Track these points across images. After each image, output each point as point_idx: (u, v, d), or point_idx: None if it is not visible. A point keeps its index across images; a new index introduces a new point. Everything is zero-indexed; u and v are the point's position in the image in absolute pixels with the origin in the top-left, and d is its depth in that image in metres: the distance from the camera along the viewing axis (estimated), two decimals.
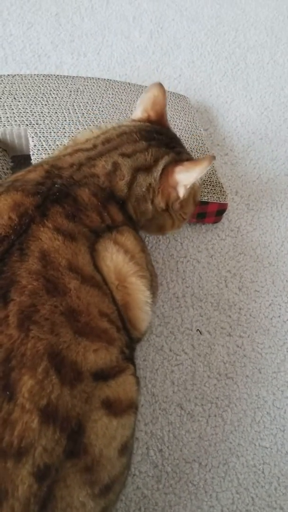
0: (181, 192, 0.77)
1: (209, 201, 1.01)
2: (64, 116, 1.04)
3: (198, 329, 0.96)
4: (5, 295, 0.50)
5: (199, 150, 1.11)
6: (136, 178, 0.74)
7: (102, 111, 1.08)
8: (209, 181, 1.05)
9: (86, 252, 0.60)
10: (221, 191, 1.05)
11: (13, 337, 0.48)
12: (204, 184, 1.04)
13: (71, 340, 0.52)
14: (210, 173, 1.07)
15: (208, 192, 1.02)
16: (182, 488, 0.80)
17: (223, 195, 1.04)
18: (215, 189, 1.04)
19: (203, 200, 1.00)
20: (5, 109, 1.02)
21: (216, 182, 1.06)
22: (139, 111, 0.85)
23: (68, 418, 0.49)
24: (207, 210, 1.03)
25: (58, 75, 1.14)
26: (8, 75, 1.10)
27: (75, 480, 0.50)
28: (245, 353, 0.95)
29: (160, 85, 0.83)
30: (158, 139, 0.78)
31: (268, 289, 1.03)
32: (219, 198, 1.03)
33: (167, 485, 0.79)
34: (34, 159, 0.96)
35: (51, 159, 0.73)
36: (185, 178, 0.74)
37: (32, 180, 0.65)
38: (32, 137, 0.99)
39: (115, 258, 0.63)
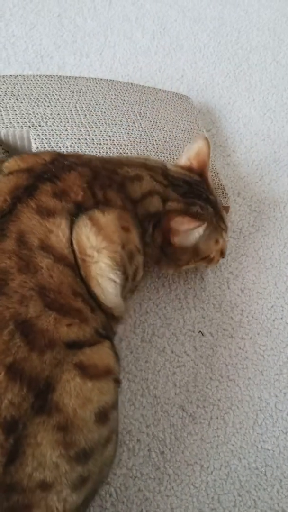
0: (173, 239, 0.79)
1: None
2: (67, 118, 1.04)
3: (200, 331, 0.96)
4: None
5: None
6: (152, 196, 0.78)
7: (104, 112, 1.08)
8: (211, 183, 1.05)
9: (66, 228, 0.63)
10: (223, 193, 1.05)
11: None
12: None
13: (41, 311, 0.56)
14: (212, 175, 1.07)
15: None
16: (184, 491, 0.79)
17: (225, 197, 1.04)
18: (217, 191, 1.04)
19: None
20: (8, 111, 1.02)
21: (218, 184, 1.06)
22: (183, 158, 0.91)
23: (37, 379, 0.53)
24: None
25: (60, 76, 1.14)
26: (11, 76, 1.10)
27: (47, 438, 0.52)
28: (247, 355, 0.94)
29: (206, 139, 0.89)
30: (180, 188, 0.82)
31: (270, 290, 1.03)
32: (221, 200, 1.03)
33: (169, 487, 0.79)
34: None
35: None
36: (178, 227, 0.77)
37: (39, 162, 0.70)
38: (35, 139, 0.99)
39: (79, 231, 0.64)
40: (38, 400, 0.52)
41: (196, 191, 0.85)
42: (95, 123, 1.04)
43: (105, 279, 0.65)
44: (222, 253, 0.92)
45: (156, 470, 0.80)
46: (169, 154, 1.06)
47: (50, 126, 1.01)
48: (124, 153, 1.01)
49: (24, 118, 1.01)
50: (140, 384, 0.88)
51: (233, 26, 1.59)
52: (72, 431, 0.54)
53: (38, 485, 0.51)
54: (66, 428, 0.53)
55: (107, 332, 0.67)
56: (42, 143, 0.98)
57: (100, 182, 0.70)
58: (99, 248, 0.64)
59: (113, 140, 1.03)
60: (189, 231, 0.77)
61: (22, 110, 1.03)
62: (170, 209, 0.79)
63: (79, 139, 1.00)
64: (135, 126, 1.07)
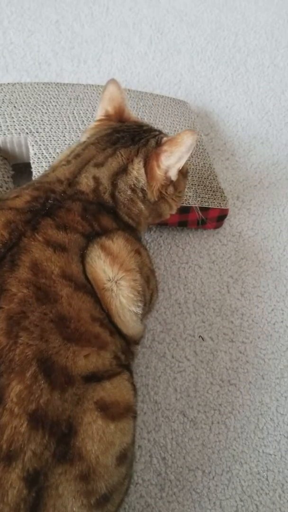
0: (174, 175, 0.77)
1: (210, 206, 1.01)
2: (64, 124, 1.04)
3: (200, 335, 0.95)
4: None
5: (200, 155, 1.11)
6: (117, 185, 0.74)
7: None
8: (210, 187, 1.05)
9: (78, 261, 0.61)
10: (221, 196, 1.05)
11: (2, 343, 0.49)
12: (205, 189, 1.04)
13: (60, 346, 0.52)
14: (211, 179, 1.07)
15: (209, 198, 1.02)
16: (186, 496, 0.79)
17: (224, 200, 1.04)
18: (215, 195, 1.04)
19: (204, 206, 1.00)
20: (5, 118, 1.02)
21: (216, 188, 1.06)
22: (99, 110, 0.86)
23: (58, 422, 0.49)
24: (208, 216, 1.03)
25: (58, 83, 1.15)
26: (8, 83, 1.11)
27: (68, 489, 0.49)
28: (248, 359, 0.94)
29: (115, 81, 0.83)
30: (121, 138, 0.78)
31: (270, 294, 1.03)
32: (220, 203, 1.03)
33: (171, 493, 0.79)
34: (35, 167, 0.96)
35: (38, 179, 0.75)
36: (174, 161, 0.74)
37: (23, 201, 0.66)
38: (33, 145, 0.99)
39: (93, 265, 0.62)
40: (60, 446, 0.49)
41: (135, 132, 0.80)
42: None
43: (127, 311, 0.64)
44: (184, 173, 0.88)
45: (157, 476, 0.80)
46: None
47: (48, 132, 1.02)
48: None
49: (22, 125, 1.02)
50: (140, 390, 0.87)
51: (230, 30, 1.59)
52: (94, 479, 0.51)
53: None
54: (88, 477, 0.51)
55: (126, 356, 0.65)
56: (40, 149, 0.99)
57: (90, 211, 0.68)
58: (117, 279, 0.63)
59: None
60: (184, 151, 0.73)
61: (20, 117, 1.03)
62: (144, 160, 0.75)
63: None
64: None
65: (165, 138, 0.78)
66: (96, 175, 0.73)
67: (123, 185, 0.74)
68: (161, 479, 0.80)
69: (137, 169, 0.75)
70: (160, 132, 0.84)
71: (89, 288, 0.60)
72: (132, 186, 0.75)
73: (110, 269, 0.62)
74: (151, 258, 0.76)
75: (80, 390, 0.52)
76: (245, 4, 1.70)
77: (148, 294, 0.70)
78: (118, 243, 0.65)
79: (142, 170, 0.74)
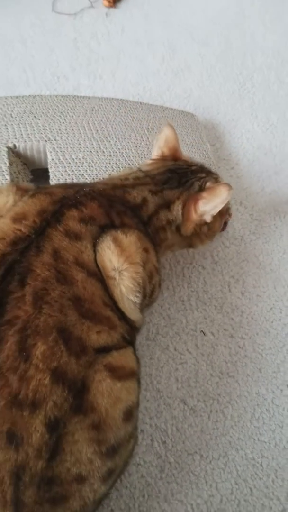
0: (208, 219, 0.86)
1: None
2: (80, 133, 1.12)
3: (202, 330, 1.01)
4: (22, 279, 0.60)
5: (205, 164, 1.18)
6: (158, 213, 0.83)
7: (115, 128, 1.16)
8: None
9: (91, 249, 0.68)
10: None
11: (29, 312, 0.58)
12: None
13: (76, 320, 0.60)
14: None
15: None
16: (184, 478, 0.84)
17: (227, 206, 1.11)
18: None
19: None
20: (26, 127, 1.10)
21: None
22: (155, 150, 0.96)
23: (75, 381, 0.58)
24: None
25: (75, 96, 1.23)
26: (29, 95, 1.20)
27: (83, 436, 0.57)
28: (246, 353, 0.99)
29: (170, 126, 0.94)
30: (171, 179, 0.87)
31: (269, 293, 1.08)
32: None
33: (170, 474, 0.84)
34: (52, 172, 1.04)
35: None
36: (211, 208, 0.84)
37: (60, 190, 0.75)
38: (50, 152, 1.07)
39: (102, 253, 0.69)
40: (76, 400, 0.57)
41: (181, 173, 0.89)
42: (106, 137, 1.13)
43: (126, 299, 0.70)
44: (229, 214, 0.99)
45: (158, 459, 0.85)
46: None
47: (65, 140, 1.10)
48: (131, 164, 1.09)
49: (41, 133, 1.10)
50: (144, 379, 0.93)
51: (239, 49, 1.68)
52: (104, 429, 0.59)
53: (75, 479, 0.57)
54: (99, 427, 0.59)
55: (131, 338, 0.72)
56: (57, 155, 1.06)
57: (116, 209, 0.76)
58: (121, 269, 0.69)
59: (122, 152, 1.11)
60: (219, 203, 0.83)
61: (39, 126, 1.11)
62: (184, 202, 0.85)
63: (90, 151, 1.09)
64: (142, 140, 1.15)
65: (208, 184, 0.87)
66: (147, 197, 0.83)
67: (162, 216, 0.84)
68: (161, 461, 0.85)
69: (176, 210, 0.85)
70: (208, 173, 0.93)
71: (99, 276, 0.67)
72: (170, 220, 0.85)
73: (116, 259, 0.69)
74: (159, 258, 0.83)
75: (92, 358, 0.60)
76: (254, 26, 1.78)
77: (149, 289, 0.77)
78: (130, 239, 0.72)
79: (180, 212, 0.85)
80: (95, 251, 0.69)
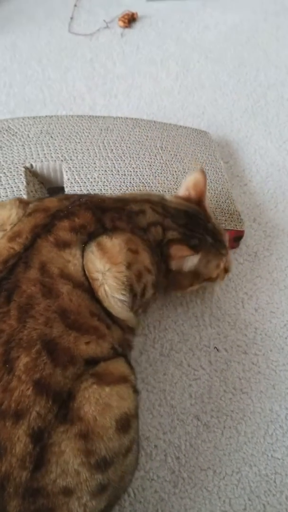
0: (172, 265, 0.86)
1: (227, 228, 1.09)
2: (95, 152, 1.15)
3: (215, 347, 1.02)
4: (8, 296, 0.63)
5: (219, 181, 1.20)
6: (155, 226, 0.85)
7: (129, 147, 1.19)
8: (227, 210, 1.13)
9: (80, 256, 0.71)
10: (238, 219, 1.13)
11: (13, 326, 0.61)
12: (222, 212, 1.12)
13: (63, 331, 0.63)
14: (228, 203, 1.15)
15: (225, 220, 1.11)
16: (197, 494, 0.85)
17: (240, 222, 1.12)
18: (232, 217, 1.12)
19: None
20: (43, 147, 1.14)
21: (233, 211, 1.14)
22: (182, 189, 0.98)
23: (60, 392, 0.59)
24: None
25: (90, 116, 1.26)
26: (46, 116, 1.24)
27: (70, 446, 0.57)
28: (260, 370, 1.00)
29: (203, 171, 0.96)
30: (180, 218, 0.89)
31: (283, 310, 1.09)
32: (236, 225, 1.11)
33: (183, 490, 0.85)
34: (68, 191, 1.07)
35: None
36: (174, 255, 0.84)
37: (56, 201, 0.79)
38: (66, 171, 1.10)
39: (86, 258, 0.71)
40: (62, 410, 0.58)
41: (195, 221, 0.91)
42: (120, 156, 1.15)
43: (111, 298, 0.72)
44: (226, 270, 0.98)
45: (171, 474, 0.87)
46: None
47: (80, 160, 1.13)
48: (146, 183, 1.11)
49: (58, 153, 1.13)
50: (158, 395, 0.95)
51: (252, 66, 1.70)
52: (93, 438, 0.58)
53: (61, 491, 0.56)
54: (87, 436, 0.58)
55: (123, 348, 0.74)
56: (73, 175, 1.10)
57: (110, 215, 0.79)
58: (104, 271, 0.71)
59: (136, 171, 1.13)
60: (184, 259, 0.85)
61: (55, 146, 1.15)
62: (171, 238, 0.85)
63: (105, 170, 1.11)
64: (156, 159, 1.18)
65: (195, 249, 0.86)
66: (145, 209, 0.86)
67: (160, 232, 0.85)
68: (175, 477, 0.86)
69: (166, 238, 0.86)
70: (215, 241, 0.93)
71: (86, 287, 0.70)
72: (160, 239, 0.85)
73: (98, 262, 0.71)
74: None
75: (81, 370, 0.62)
76: (267, 42, 1.81)
77: (139, 288, 0.77)
78: (114, 241, 0.74)
79: (167, 240, 0.85)
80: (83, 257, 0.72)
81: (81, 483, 0.57)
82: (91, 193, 1.06)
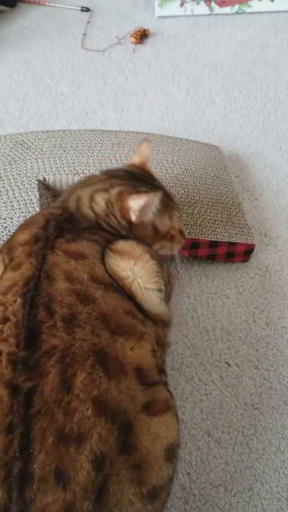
0: (133, 217, 0.81)
1: (237, 242, 1.09)
2: (107, 166, 1.16)
3: (226, 361, 1.02)
4: (49, 308, 0.61)
5: (229, 195, 1.21)
6: (94, 199, 0.82)
7: None
8: (238, 224, 1.14)
9: (100, 263, 0.70)
10: (248, 232, 1.13)
11: (64, 339, 0.59)
12: (233, 226, 1.13)
13: (109, 339, 0.61)
14: (239, 216, 1.16)
15: (236, 234, 1.11)
16: (208, 510, 0.84)
17: (251, 236, 1.13)
18: (243, 231, 1.12)
19: (232, 241, 1.09)
20: (56, 160, 1.15)
21: (244, 225, 1.14)
22: (130, 158, 0.98)
23: (117, 411, 0.57)
24: (235, 250, 1.11)
25: (102, 130, 1.28)
26: (59, 130, 1.25)
27: (126, 476, 0.56)
28: (271, 385, 0.99)
29: (147, 142, 0.96)
30: (122, 176, 0.88)
31: None
32: (246, 239, 1.11)
33: (194, 506, 0.84)
34: None
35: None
36: (135, 204, 0.79)
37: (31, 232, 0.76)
38: None
39: (109, 263, 0.71)
40: (121, 435, 0.56)
41: (139, 177, 0.89)
42: None
43: (145, 291, 0.71)
44: (181, 233, 0.93)
45: (182, 490, 0.86)
46: (199, 197, 1.16)
47: (93, 173, 1.13)
48: None
49: (70, 166, 1.14)
50: None
51: (262, 81, 1.71)
52: (145, 468, 0.57)
53: None
54: (140, 466, 0.57)
55: (161, 351, 0.71)
56: None
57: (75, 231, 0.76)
58: (132, 266, 0.71)
59: None
60: (147, 204, 0.80)
61: (68, 160, 1.16)
62: (119, 191, 0.82)
63: None
64: (167, 173, 1.19)
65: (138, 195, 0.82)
66: (79, 194, 0.84)
67: (99, 199, 0.82)
68: (186, 493, 0.85)
69: (114, 191, 0.83)
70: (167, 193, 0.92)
71: (115, 286, 0.69)
72: (107, 201, 0.82)
73: (122, 262, 0.71)
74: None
75: (133, 386, 0.60)
76: (277, 58, 1.82)
77: (165, 274, 0.77)
78: (120, 243, 0.74)
79: (116, 196, 0.82)
80: (103, 265, 0.71)
81: None
82: None
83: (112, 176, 0.88)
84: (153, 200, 0.80)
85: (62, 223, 0.76)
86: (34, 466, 0.52)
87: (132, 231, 0.83)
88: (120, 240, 0.75)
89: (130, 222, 0.82)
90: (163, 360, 0.73)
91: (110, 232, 0.80)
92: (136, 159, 0.96)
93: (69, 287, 0.64)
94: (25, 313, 0.61)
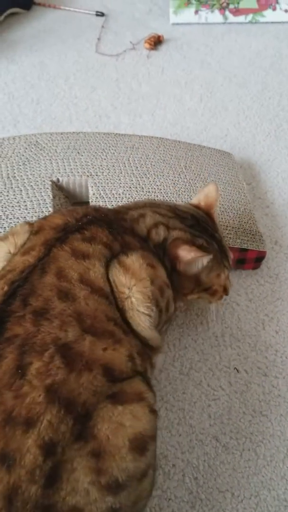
0: (178, 265, 0.83)
1: (248, 248, 1.10)
2: (121, 169, 1.17)
3: (235, 368, 1.02)
4: (24, 300, 0.63)
5: (241, 202, 1.21)
6: (157, 227, 0.83)
7: (154, 165, 1.20)
8: (249, 230, 1.14)
9: (100, 267, 0.71)
10: (260, 239, 1.13)
11: (28, 329, 0.60)
12: (244, 232, 1.13)
13: (79, 335, 0.62)
14: (250, 223, 1.16)
15: (248, 240, 1.11)
16: None
17: (262, 243, 1.13)
18: (254, 238, 1.13)
19: (243, 247, 1.09)
20: (70, 162, 1.16)
21: (255, 231, 1.15)
22: (194, 200, 0.98)
23: (74, 403, 0.57)
24: (246, 257, 1.11)
25: (116, 133, 1.29)
26: (73, 132, 1.26)
27: (82, 464, 0.55)
28: (280, 393, 0.99)
29: (215, 185, 0.96)
30: (186, 220, 0.88)
31: None
32: (258, 246, 1.12)
33: (201, 511, 0.84)
34: None
35: None
36: (183, 255, 0.81)
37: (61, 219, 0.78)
38: (92, 186, 1.12)
39: (113, 273, 0.72)
40: (77, 425, 0.56)
41: (202, 226, 0.89)
42: (145, 174, 1.17)
43: (136, 312, 0.71)
44: (225, 290, 0.94)
45: (189, 494, 0.85)
46: None
47: (106, 176, 1.14)
48: (169, 200, 1.12)
49: (84, 168, 1.15)
50: (177, 414, 0.94)
51: (276, 90, 1.72)
52: (105, 457, 0.56)
53: (70, 510, 0.54)
54: (99, 455, 0.56)
55: (142, 360, 0.71)
56: (98, 190, 1.11)
57: (116, 230, 0.78)
58: (130, 285, 0.71)
59: (160, 189, 1.14)
60: (194, 260, 0.81)
61: (82, 161, 1.17)
62: (177, 237, 0.83)
63: (130, 187, 1.13)
64: (180, 178, 1.19)
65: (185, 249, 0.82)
66: (145, 213, 0.84)
67: (161, 231, 0.83)
68: (193, 497, 0.85)
69: (171, 235, 0.83)
70: (221, 248, 0.91)
71: (105, 292, 0.69)
72: (164, 238, 0.83)
73: (123, 277, 0.71)
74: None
75: (97, 382, 0.60)
76: None
77: (163, 302, 0.77)
78: (131, 258, 0.74)
79: (171, 238, 0.83)
80: (106, 269, 0.71)
81: (90, 504, 0.55)
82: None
83: (178, 216, 0.88)
84: (201, 260, 0.82)
85: (100, 220, 0.78)
86: None
87: (172, 276, 0.84)
88: (135, 254, 0.75)
89: (174, 267, 0.84)
90: (145, 368, 0.73)
91: (149, 249, 0.81)
92: (202, 202, 0.96)
93: (53, 283, 0.66)
94: (2, 300, 0.64)
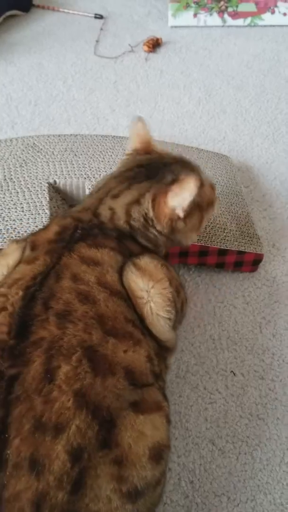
0: (181, 213, 0.79)
1: (246, 251, 1.10)
2: None
3: (232, 371, 1.01)
4: (45, 304, 0.63)
5: (239, 204, 1.21)
6: (130, 214, 0.79)
7: None
8: (247, 233, 1.14)
9: (114, 272, 0.70)
10: (257, 242, 1.13)
11: (53, 332, 0.60)
12: (242, 235, 1.13)
13: (102, 338, 0.62)
14: (248, 226, 1.16)
15: (245, 243, 1.11)
16: None
17: (260, 246, 1.13)
18: (252, 240, 1.12)
19: (241, 249, 1.09)
20: (67, 164, 1.16)
21: (253, 234, 1.14)
22: (128, 146, 0.93)
23: (100, 407, 0.57)
24: (244, 259, 1.11)
25: (114, 136, 1.28)
26: (71, 134, 1.26)
27: (105, 471, 0.55)
28: (276, 396, 0.99)
29: (140, 119, 0.92)
30: (140, 175, 0.83)
31: None
32: (255, 248, 1.11)
33: None
34: None
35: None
36: (180, 201, 0.77)
37: (53, 231, 0.77)
38: (89, 188, 1.12)
39: (128, 278, 0.71)
40: (102, 430, 0.56)
41: (155, 167, 0.83)
42: None
43: (156, 316, 0.72)
44: (212, 188, 0.89)
45: (185, 498, 0.85)
46: None
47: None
48: None
49: (81, 170, 1.15)
50: (173, 417, 0.93)
51: (274, 94, 1.72)
52: (126, 465, 0.57)
53: None
54: (121, 462, 0.56)
55: (159, 361, 0.72)
56: None
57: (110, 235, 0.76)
58: (149, 288, 0.71)
59: None
60: (192, 188, 0.74)
61: (79, 164, 1.17)
62: (152, 198, 0.78)
63: None
64: None
65: (182, 176, 0.78)
66: (112, 205, 0.80)
67: (136, 214, 0.79)
68: (188, 502, 0.85)
69: (146, 203, 0.79)
70: (184, 164, 0.86)
71: (123, 295, 0.69)
72: (144, 215, 0.79)
73: (141, 280, 0.71)
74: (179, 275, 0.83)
75: (120, 385, 0.60)
76: None
77: (179, 303, 0.77)
78: (145, 260, 0.73)
79: (150, 205, 0.78)
80: (120, 275, 0.71)
81: (111, 511, 0.55)
82: None
83: (130, 178, 0.83)
84: (194, 182, 0.74)
85: (91, 229, 0.77)
86: (8, 452, 0.52)
87: (179, 229, 0.81)
88: (146, 256, 0.74)
89: (176, 223, 0.80)
90: (161, 369, 0.73)
91: (142, 245, 0.80)
92: (137, 144, 0.91)
93: (71, 286, 0.65)
94: (22, 304, 0.63)
